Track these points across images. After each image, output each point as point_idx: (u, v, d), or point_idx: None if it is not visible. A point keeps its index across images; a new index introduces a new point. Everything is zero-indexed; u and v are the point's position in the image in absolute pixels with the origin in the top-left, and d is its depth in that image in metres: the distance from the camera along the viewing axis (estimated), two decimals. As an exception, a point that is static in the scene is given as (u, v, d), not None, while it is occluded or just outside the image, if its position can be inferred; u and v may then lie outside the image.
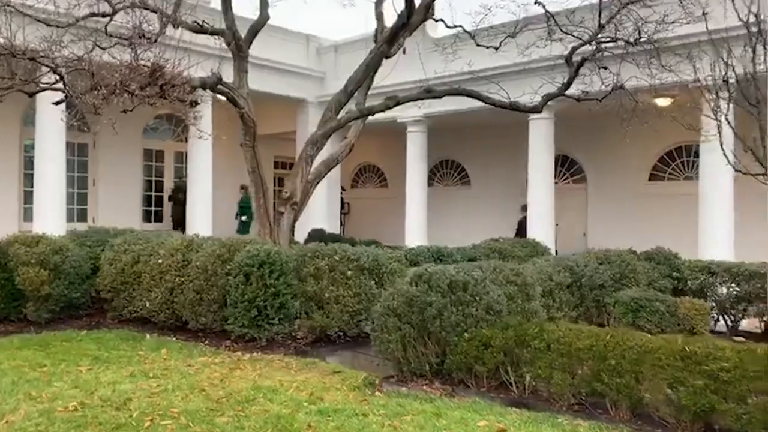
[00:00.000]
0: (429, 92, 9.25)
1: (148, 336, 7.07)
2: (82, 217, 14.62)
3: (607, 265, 7.35)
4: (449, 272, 5.42)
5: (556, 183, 14.64)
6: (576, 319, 6.66)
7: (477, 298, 5.31)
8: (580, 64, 8.68)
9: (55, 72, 6.52)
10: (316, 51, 15.24)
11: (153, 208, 15.73)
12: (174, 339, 7.10)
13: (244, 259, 6.64)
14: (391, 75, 10.75)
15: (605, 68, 7.99)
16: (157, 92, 6.79)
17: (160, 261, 7.32)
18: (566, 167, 14.11)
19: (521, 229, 13.40)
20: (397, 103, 9.28)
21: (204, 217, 12.95)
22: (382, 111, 9.30)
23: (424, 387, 5.42)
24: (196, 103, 7.99)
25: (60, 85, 7.17)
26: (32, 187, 13.78)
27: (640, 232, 12.06)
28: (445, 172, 16.65)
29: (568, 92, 8.96)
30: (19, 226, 13.36)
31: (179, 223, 14.89)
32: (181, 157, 16.12)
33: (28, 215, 13.66)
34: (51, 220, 10.75)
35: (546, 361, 4.84)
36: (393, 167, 17.48)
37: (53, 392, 4.91)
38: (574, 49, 8.85)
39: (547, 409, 4.83)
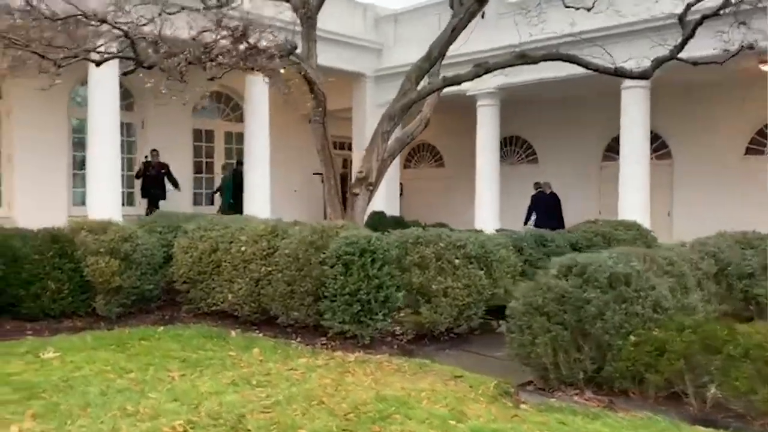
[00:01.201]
0: (523, 57, 8.31)
1: (233, 333, 6.33)
2: (131, 201, 14.01)
3: (750, 250, 6.41)
4: (606, 263, 4.55)
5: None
6: (727, 314, 5.76)
7: (642, 294, 4.45)
8: (699, 22, 7.67)
9: (126, 36, 5.76)
10: (373, 21, 14.30)
11: (204, 191, 15.06)
12: (261, 335, 6.37)
13: (343, 246, 5.84)
14: (465, 43, 9.79)
15: (743, 23, 6.97)
16: (241, 58, 6.02)
17: (243, 249, 6.56)
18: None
19: (534, 207, 13.32)
20: (487, 71, 8.36)
21: (263, 200, 12.22)
22: (470, 79, 8.41)
23: (575, 397, 4.59)
24: (277, 73, 7.17)
25: (125, 53, 6.43)
26: (80, 169, 13.21)
27: (734, 211, 11.02)
28: (510, 149, 15.67)
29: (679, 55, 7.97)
30: (69, 211, 12.80)
31: (152, 204, 13.14)
32: (231, 138, 15.42)
33: (77, 199, 13.11)
34: (106, 204, 10.12)
35: (745, 371, 3.96)
36: (450, 145, 16.56)
37: (152, 406, 4.18)
38: (689, 5, 7.83)
39: (744, 429, 3.98)
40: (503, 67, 8.40)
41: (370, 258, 5.79)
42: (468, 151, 15.40)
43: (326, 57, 13.13)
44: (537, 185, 13.97)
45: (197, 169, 14.87)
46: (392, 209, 14.39)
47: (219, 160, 15.28)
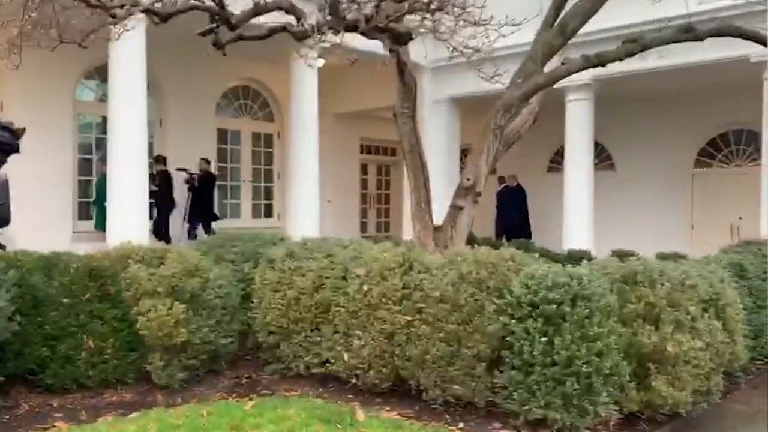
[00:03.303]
0: (689, 32, 6.45)
1: (359, 413, 4.33)
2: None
3: None
4: None
5: (727, 165, 11.93)
6: None
7: None
8: None
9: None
10: (431, 3, 12.37)
11: (230, 201, 12.99)
12: (396, 415, 4.38)
13: (541, 288, 3.89)
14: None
15: None
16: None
17: (365, 288, 4.58)
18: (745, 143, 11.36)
19: (501, 205, 13.14)
20: (643, 48, 6.48)
21: (311, 215, 10.22)
22: (621, 59, 6.52)
23: None
24: (410, 38, 5.29)
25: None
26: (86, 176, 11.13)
27: None
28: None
29: None
30: (74, 226, 10.71)
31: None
32: (260, 139, 13.40)
33: (82, 214, 10.99)
34: (131, 224, 8.02)
35: None
36: (511, 151, 14.67)
37: None
38: None
39: None
40: (663, 44, 6.54)
41: (584, 308, 3.85)
42: (534, 157, 13.60)
43: (370, 43, 11.10)
44: (501, 180, 13.45)
45: (221, 175, 12.79)
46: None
47: (246, 167, 13.21)
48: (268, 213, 13.58)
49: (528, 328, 3.90)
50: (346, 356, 4.64)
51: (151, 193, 9.54)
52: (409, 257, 4.71)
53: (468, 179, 7.05)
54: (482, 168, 7.11)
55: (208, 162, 11.91)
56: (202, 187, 11.48)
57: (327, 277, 4.84)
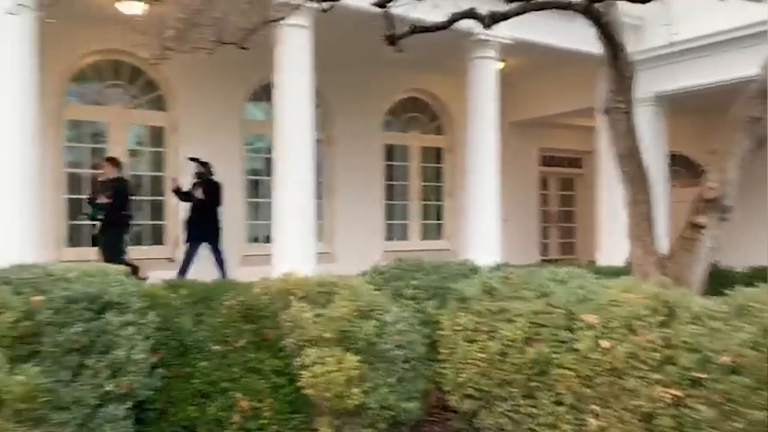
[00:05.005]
0: None
1: None
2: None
3: None
4: None
5: None
6: None
7: None
8: None
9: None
10: (628, -12, 10.63)
11: (396, 222, 12.09)
12: None
13: None
14: None
15: None
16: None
17: (604, 344, 3.22)
18: None
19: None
20: None
21: (489, 235, 8.95)
22: None
23: None
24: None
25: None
26: (253, 197, 10.78)
27: None
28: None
29: None
30: (245, 249, 10.31)
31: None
32: (428, 155, 12.42)
33: (251, 236, 10.61)
34: (298, 249, 7.30)
35: None
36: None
37: None
38: None
39: None
40: None
41: None
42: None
43: (552, 33, 9.49)
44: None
45: (388, 194, 11.95)
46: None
47: (414, 185, 12.24)
48: (438, 234, 12.51)
49: None
50: (576, 438, 3.30)
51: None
52: (667, 300, 3.28)
53: (711, 188, 5.41)
54: (731, 174, 5.43)
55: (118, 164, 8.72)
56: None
57: (543, 326, 3.54)
